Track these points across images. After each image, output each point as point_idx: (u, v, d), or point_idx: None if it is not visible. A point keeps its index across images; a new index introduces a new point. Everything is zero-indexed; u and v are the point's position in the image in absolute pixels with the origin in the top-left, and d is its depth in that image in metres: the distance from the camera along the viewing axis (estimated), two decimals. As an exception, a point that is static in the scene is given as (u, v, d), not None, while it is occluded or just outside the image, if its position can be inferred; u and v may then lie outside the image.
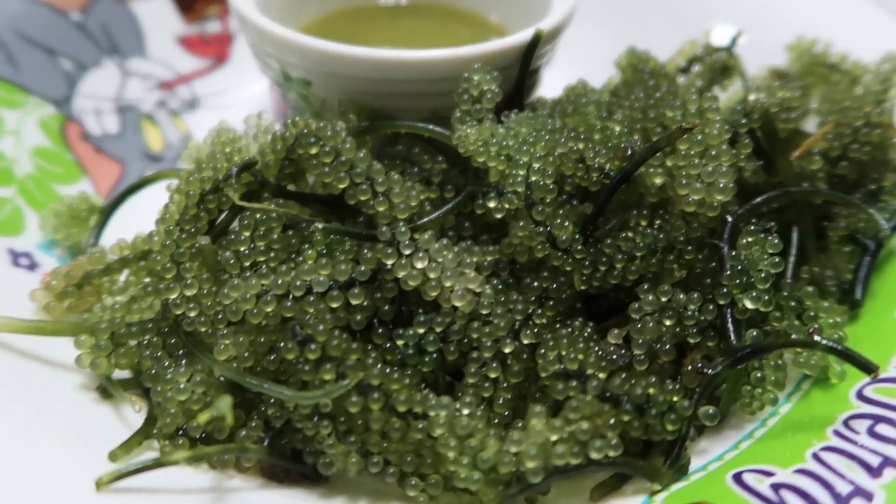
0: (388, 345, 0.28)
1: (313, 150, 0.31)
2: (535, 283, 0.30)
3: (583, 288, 0.30)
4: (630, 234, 0.30)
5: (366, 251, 0.29)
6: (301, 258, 0.30)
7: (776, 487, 0.23)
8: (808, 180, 0.33)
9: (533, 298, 0.29)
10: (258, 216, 0.31)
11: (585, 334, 0.29)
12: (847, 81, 0.38)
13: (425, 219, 0.31)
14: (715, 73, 0.40)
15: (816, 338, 0.25)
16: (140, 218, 0.34)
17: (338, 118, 0.35)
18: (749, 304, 0.27)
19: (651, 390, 0.25)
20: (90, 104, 0.42)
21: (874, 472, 0.23)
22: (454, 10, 0.47)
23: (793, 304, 0.29)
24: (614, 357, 0.27)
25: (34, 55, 0.41)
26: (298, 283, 0.27)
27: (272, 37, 0.35)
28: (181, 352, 0.28)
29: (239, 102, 0.47)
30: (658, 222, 0.31)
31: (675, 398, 0.25)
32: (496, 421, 0.27)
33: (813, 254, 0.32)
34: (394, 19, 0.47)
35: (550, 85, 0.41)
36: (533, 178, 0.30)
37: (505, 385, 0.27)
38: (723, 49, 0.40)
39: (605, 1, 0.51)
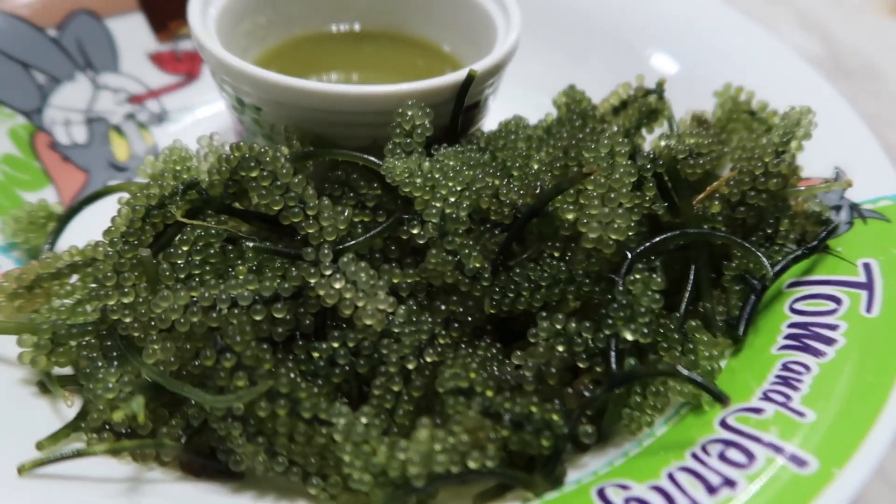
0: (304, 356, 0.31)
1: (253, 174, 0.34)
2: (444, 307, 0.32)
3: (492, 312, 0.33)
4: (538, 265, 0.33)
5: (292, 270, 0.32)
6: (234, 273, 0.33)
7: (628, 500, 0.26)
8: (708, 223, 0.36)
9: (440, 320, 0.32)
10: (199, 232, 0.34)
11: (489, 355, 0.31)
12: (763, 130, 0.41)
13: (352, 241, 0.34)
14: (643, 115, 0.43)
15: (679, 368, 0.28)
16: (96, 227, 0.36)
17: (284, 143, 0.38)
18: (628, 336, 0.30)
19: (532, 409, 0.28)
20: (60, 115, 0.45)
21: (712, 490, 0.25)
22: (410, 39, 0.50)
23: (677, 336, 0.31)
24: (507, 377, 0.30)
25: (9, 68, 0.44)
26: (224, 296, 0.30)
27: (227, 66, 0.38)
28: (115, 354, 0.31)
29: (205, 118, 0.50)
30: (569, 255, 0.34)
31: (552, 416, 0.28)
32: (396, 430, 0.30)
33: (707, 291, 0.35)
34: (353, 47, 0.50)
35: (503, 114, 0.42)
36: (447, 211, 0.32)
37: (406, 398, 0.30)
38: (652, 92, 0.43)
39: (557, 31, 0.53)
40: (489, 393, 0.29)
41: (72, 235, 0.38)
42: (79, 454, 0.27)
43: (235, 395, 0.28)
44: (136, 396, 0.27)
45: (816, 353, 0.30)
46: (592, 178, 0.33)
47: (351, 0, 0.49)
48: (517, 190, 0.33)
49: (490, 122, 0.43)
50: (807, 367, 0.30)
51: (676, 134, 0.39)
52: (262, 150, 0.34)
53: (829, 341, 0.30)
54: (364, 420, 0.28)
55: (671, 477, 0.26)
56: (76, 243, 0.35)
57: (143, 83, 0.49)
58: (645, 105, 0.43)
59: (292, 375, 0.29)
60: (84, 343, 0.31)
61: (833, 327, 0.31)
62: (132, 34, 0.49)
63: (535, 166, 0.36)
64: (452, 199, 0.33)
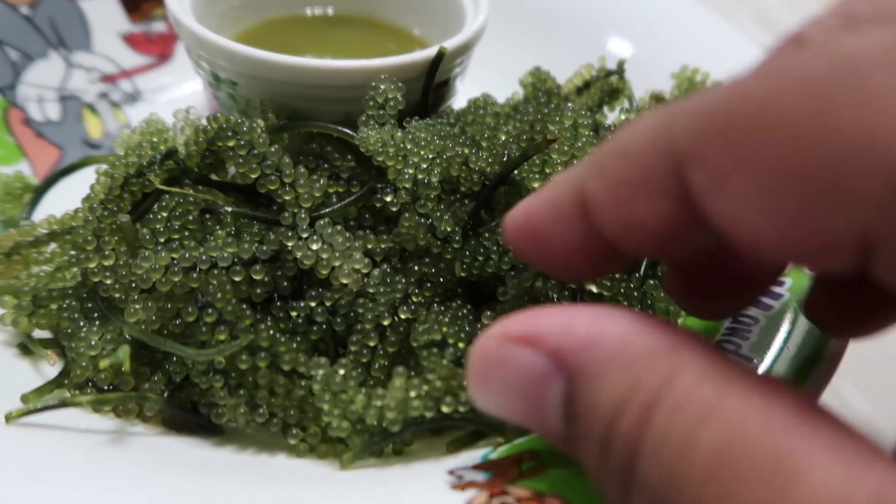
0: (283, 315, 0.32)
1: (230, 143, 0.35)
2: (417, 268, 0.34)
3: (462, 274, 0.34)
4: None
5: (270, 234, 0.33)
6: (213, 238, 0.34)
7: (591, 439, 0.28)
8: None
9: (414, 280, 0.33)
10: (177, 200, 0.34)
11: (460, 314, 0.33)
12: (717, 108, 0.44)
13: (327, 209, 0.35)
14: (605, 94, 0.45)
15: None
16: (72, 198, 0.37)
17: (259, 116, 0.39)
18: (594, 289, 0.31)
19: (501, 359, 0.30)
20: (34, 92, 0.45)
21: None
22: (381, 23, 0.51)
23: (636, 294, 0.33)
24: (477, 333, 0.31)
25: (-19, 45, 0.44)
26: (205, 258, 0.31)
27: (203, 41, 0.39)
28: (96, 315, 0.31)
29: (178, 98, 0.51)
30: (535, 221, 0.36)
31: (520, 366, 0.29)
32: (371, 383, 0.31)
33: (665, 254, 0.37)
34: (326, 29, 0.51)
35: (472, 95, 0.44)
36: (420, 177, 0.34)
37: (381, 352, 0.31)
38: (614, 73, 0.45)
39: (519, 18, 0.55)
40: (461, 345, 0.30)
41: (47, 208, 0.39)
42: (64, 404, 0.28)
43: (217, 349, 0.29)
44: (122, 346, 0.28)
45: (765, 307, 0.32)
46: (556, 146, 0.35)
47: (323, -16, 0.51)
48: (486, 158, 0.35)
49: (459, 102, 0.45)
50: (755, 320, 0.32)
51: (636, 109, 0.41)
52: (239, 120, 0.35)
53: (777, 296, 0.33)
54: (342, 371, 0.29)
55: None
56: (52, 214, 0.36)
57: (115, 63, 0.50)
58: (607, 85, 0.45)
59: (272, 332, 0.30)
60: (65, 305, 0.32)
61: (780, 283, 0.33)
62: (105, 14, 0.50)
63: (503, 137, 0.38)
64: (424, 166, 0.34)
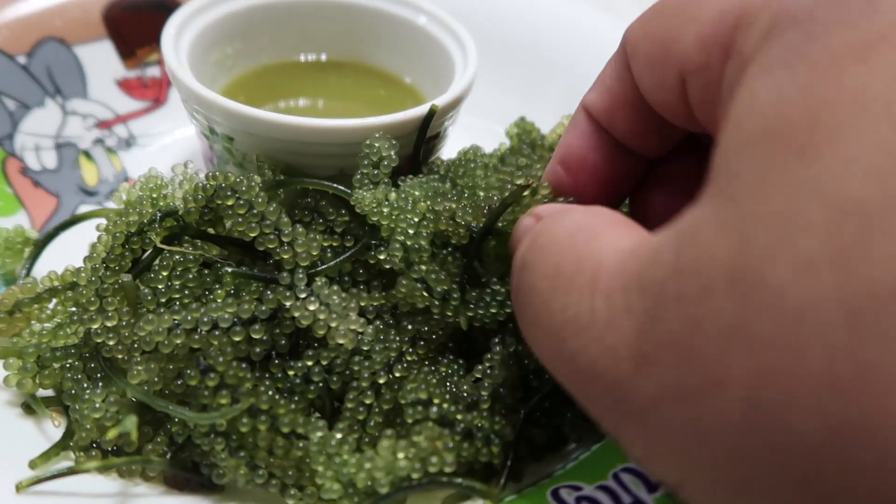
0: (281, 374, 0.33)
1: (229, 202, 0.36)
2: (410, 326, 0.35)
3: (465, 328, 0.35)
4: (501, 283, 0.36)
5: (268, 293, 0.34)
6: (212, 296, 0.35)
7: (579, 499, 0.29)
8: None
9: (408, 339, 0.35)
10: (177, 258, 0.35)
11: (450, 371, 0.34)
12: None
13: (323, 266, 0.36)
14: (589, 145, 0.47)
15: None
16: (71, 252, 0.38)
17: (255, 171, 0.40)
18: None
19: (482, 421, 0.31)
20: (31, 141, 0.46)
21: (652, 488, 0.29)
22: (372, 70, 0.53)
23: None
24: (463, 394, 0.32)
25: (-20, 96, 0.45)
26: (206, 319, 0.32)
27: (200, 98, 0.40)
28: (99, 375, 0.32)
29: (172, 143, 0.52)
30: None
31: (501, 427, 0.31)
32: (367, 440, 0.32)
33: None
34: (319, 76, 0.52)
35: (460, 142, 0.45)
36: (409, 243, 0.35)
37: (377, 410, 0.32)
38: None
39: (511, 67, 0.57)
40: (445, 405, 0.31)
41: (45, 260, 0.39)
42: (71, 472, 0.29)
43: (219, 413, 0.30)
44: (129, 415, 0.29)
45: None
46: (536, 193, 0.35)
47: (317, 31, 0.52)
48: (470, 212, 0.36)
49: (448, 149, 0.46)
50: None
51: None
52: (238, 179, 0.36)
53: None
54: (339, 435, 0.30)
55: (616, 477, 0.30)
56: (47, 268, 0.37)
57: (111, 109, 0.51)
58: (591, 136, 0.47)
59: (271, 393, 0.31)
60: (68, 365, 0.32)
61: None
62: (100, 61, 0.51)
63: (482, 194, 0.39)
64: (412, 232, 0.35)
